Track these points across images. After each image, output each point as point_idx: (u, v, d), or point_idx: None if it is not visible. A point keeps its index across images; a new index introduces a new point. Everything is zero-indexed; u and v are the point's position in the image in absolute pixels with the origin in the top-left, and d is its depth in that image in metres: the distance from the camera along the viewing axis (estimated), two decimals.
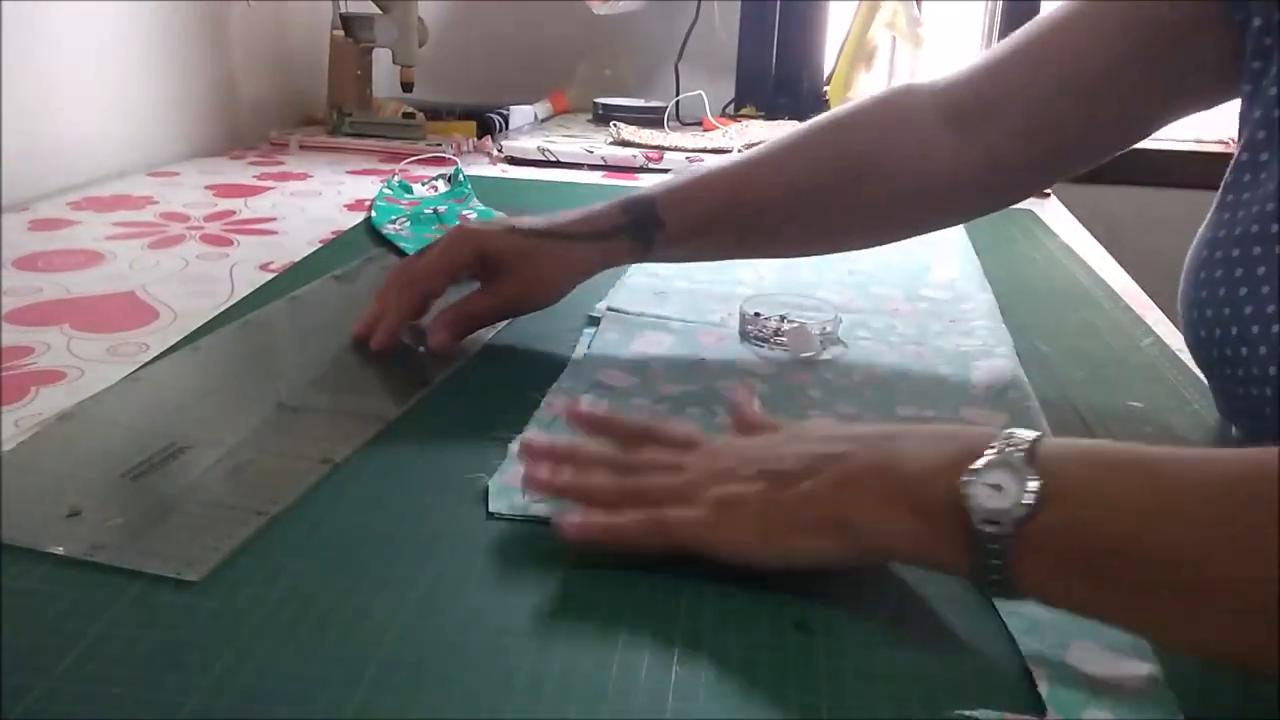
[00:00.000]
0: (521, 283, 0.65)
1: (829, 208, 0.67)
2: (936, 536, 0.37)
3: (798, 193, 0.66)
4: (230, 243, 0.90)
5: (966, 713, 0.35)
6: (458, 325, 0.64)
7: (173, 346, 0.64)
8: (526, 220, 0.66)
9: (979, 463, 0.36)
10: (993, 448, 0.36)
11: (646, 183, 1.23)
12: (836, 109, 0.70)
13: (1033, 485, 0.34)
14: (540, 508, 0.46)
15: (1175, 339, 0.74)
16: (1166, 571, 0.33)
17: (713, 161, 0.69)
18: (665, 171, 1.30)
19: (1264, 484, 0.31)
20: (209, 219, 0.98)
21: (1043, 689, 0.36)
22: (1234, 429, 0.57)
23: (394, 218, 0.95)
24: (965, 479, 0.36)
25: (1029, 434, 0.36)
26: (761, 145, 0.69)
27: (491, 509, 0.46)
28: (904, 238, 0.71)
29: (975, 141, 0.64)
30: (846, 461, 0.40)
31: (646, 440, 0.48)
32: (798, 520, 0.40)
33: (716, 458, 0.44)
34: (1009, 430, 0.37)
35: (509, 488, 0.48)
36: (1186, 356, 0.70)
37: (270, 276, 0.80)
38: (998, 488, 0.35)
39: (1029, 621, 0.39)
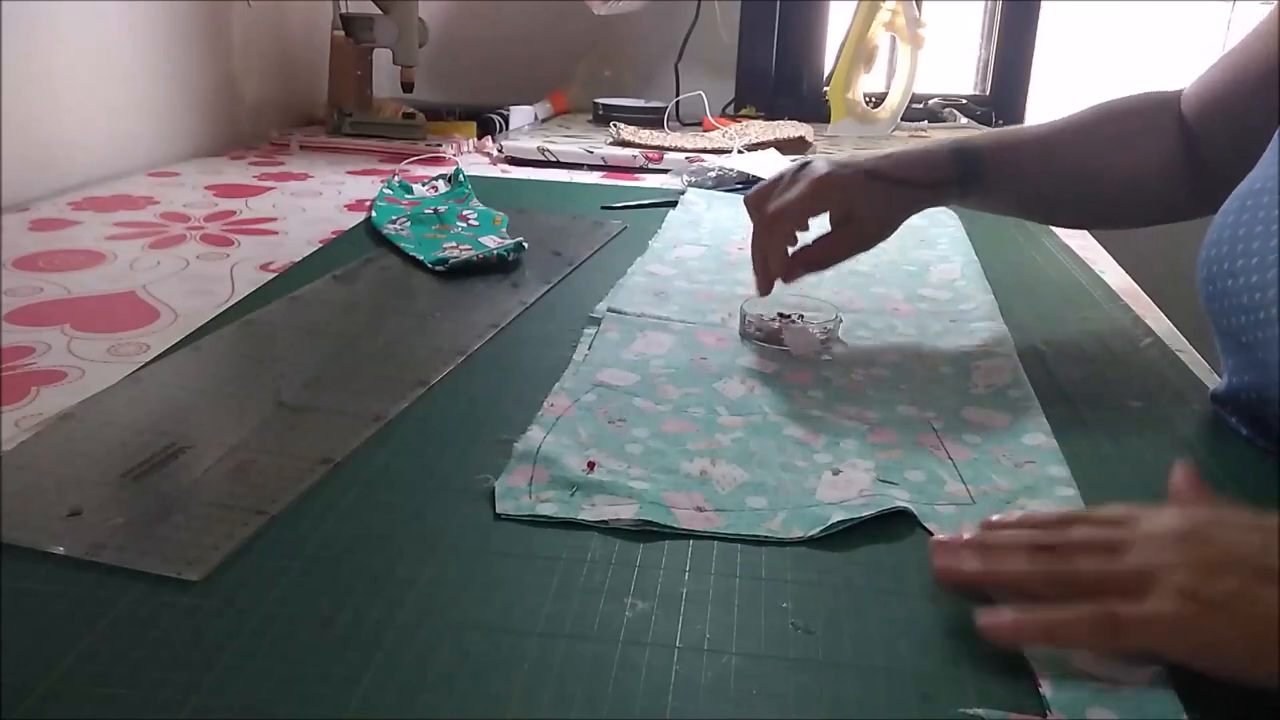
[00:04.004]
0: (871, 224, 0.71)
1: (1102, 195, 0.75)
2: None
3: (1082, 174, 0.74)
4: (230, 243, 0.90)
5: (971, 711, 0.35)
6: (812, 266, 0.71)
7: (173, 346, 0.64)
8: (871, 163, 0.71)
9: None
10: None
11: (648, 183, 1.25)
12: (1108, 108, 0.77)
13: None
14: (547, 508, 0.46)
15: (1175, 339, 0.74)
16: None
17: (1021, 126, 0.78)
18: (665, 172, 1.31)
19: None
20: (209, 219, 0.98)
21: (1046, 689, 0.36)
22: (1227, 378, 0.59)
23: (394, 218, 0.95)
24: None
25: None
26: (1051, 123, 0.77)
27: (499, 510, 0.46)
28: (1134, 225, 0.78)
29: (1196, 147, 0.71)
30: None
31: (1073, 521, 0.41)
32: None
33: (1177, 540, 0.37)
34: None
35: (515, 488, 0.48)
36: (1186, 356, 0.70)
37: (270, 276, 0.80)
38: None
39: None
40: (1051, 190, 0.75)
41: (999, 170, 0.73)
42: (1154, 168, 0.73)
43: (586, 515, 0.46)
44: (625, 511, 0.46)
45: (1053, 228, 1.06)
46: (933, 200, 0.74)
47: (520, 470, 0.49)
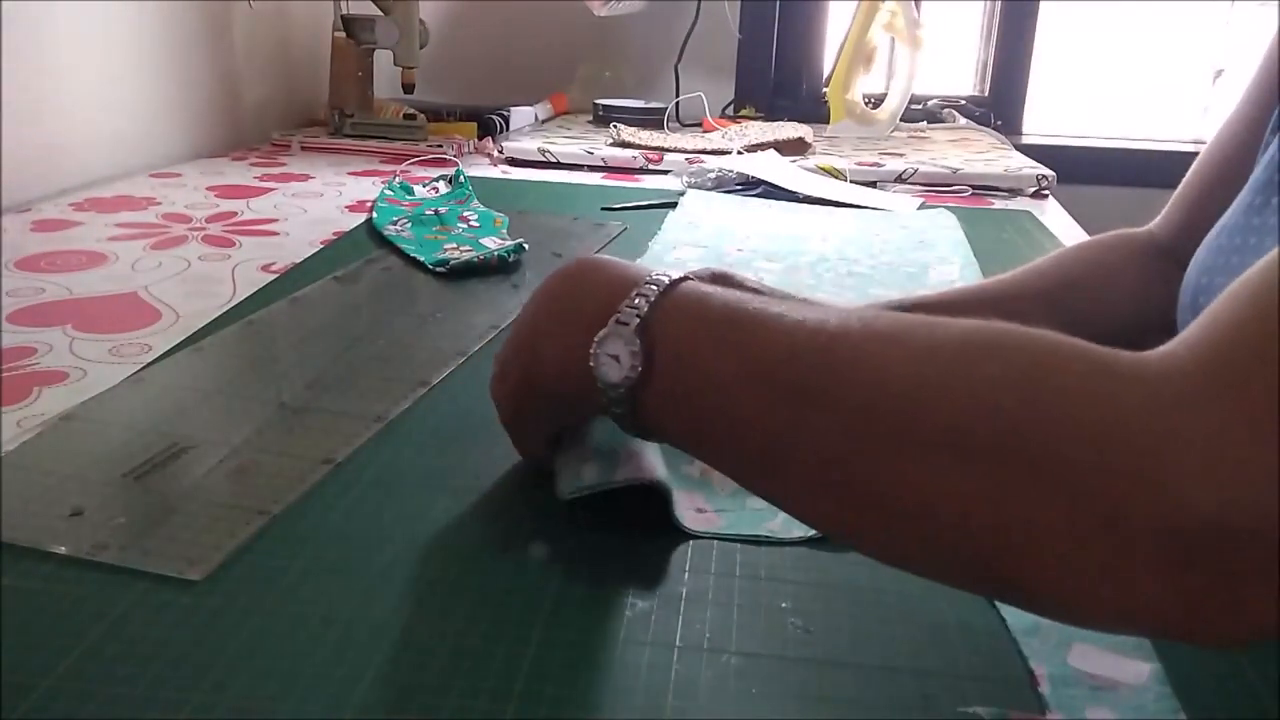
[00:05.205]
0: None
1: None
2: (589, 392, 0.39)
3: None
4: (232, 244, 0.90)
5: (970, 709, 0.35)
6: None
7: (175, 347, 0.64)
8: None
9: (602, 333, 0.38)
10: (619, 312, 0.38)
11: (647, 184, 1.25)
12: (1069, 256, 0.68)
13: (635, 360, 0.37)
14: (590, 470, 0.45)
15: None
16: (741, 436, 0.35)
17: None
18: (666, 173, 1.31)
19: (820, 355, 0.33)
20: (211, 220, 0.98)
21: (1044, 688, 0.36)
22: None
23: (395, 219, 0.95)
24: (593, 352, 0.38)
25: (661, 285, 0.39)
26: (1002, 279, 0.67)
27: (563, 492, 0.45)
28: None
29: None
30: (534, 330, 0.45)
31: None
32: (517, 390, 0.46)
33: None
34: (645, 284, 0.39)
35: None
36: None
37: (272, 277, 0.80)
38: (615, 358, 0.38)
39: (1030, 623, 0.39)
40: None
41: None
42: (1131, 310, 0.64)
43: (622, 474, 0.45)
44: (658, 473, 0.45)
45: (1053, 233, 1.06)
46: None
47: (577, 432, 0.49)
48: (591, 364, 0.38)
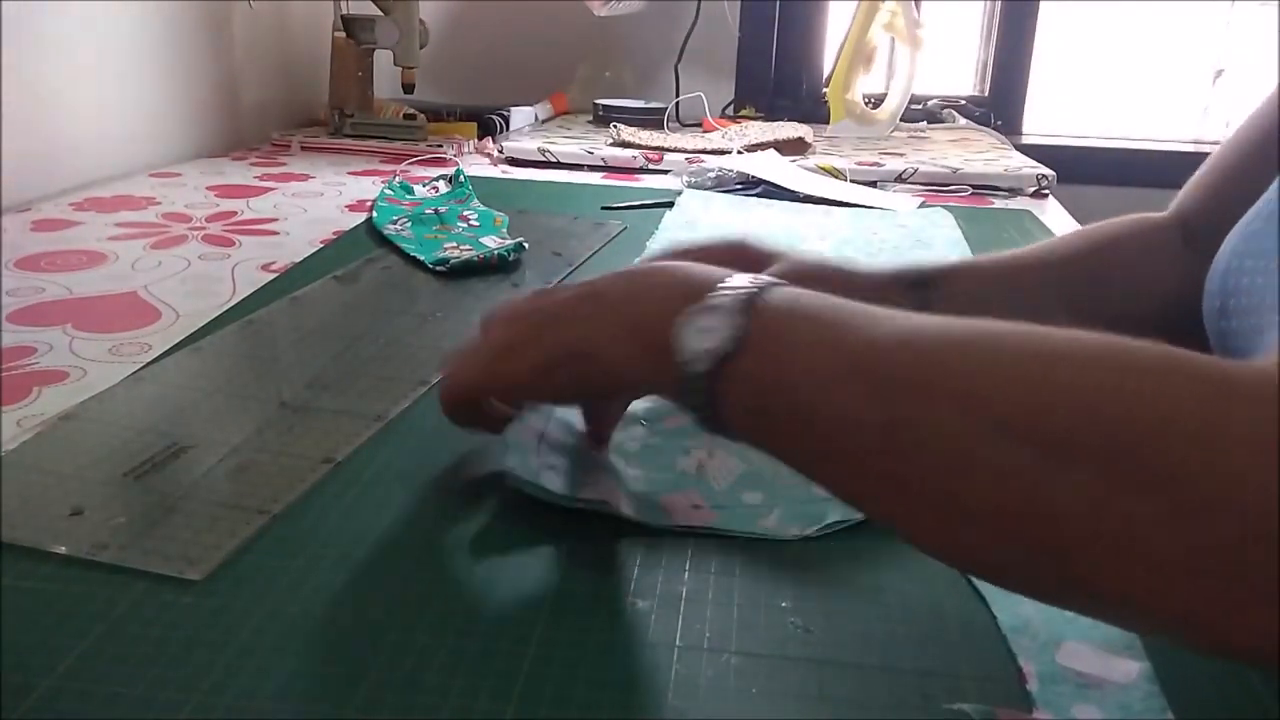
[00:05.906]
0: None
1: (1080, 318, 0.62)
2: (658, 368, 0.38)
3: (1054, 297, 0.62)
4: (232, 243, 0.90)
5: (955, 706, 0.35)
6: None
7: (175, 346, 0.64)
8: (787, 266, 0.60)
9: (697, 305, 0.37)
10: (717, 291, 0.37)
11: (647, 184, 1.25)
12: (1088, 230, 0.67)
13: (734, 331, 0.35)
14: (551, 478, 0.46)
15: None
16: (830, 429, 0.33)
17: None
18: (665, 173, 1.31)
19: (925, 352, 0.32)
20: (211, 219, 0.98)
21: (1032, 685, 0.36)
22: None
23: (395, 218, 0.95)
24: (679, 320, 0.37)
25: (767, 280, 0.37)
26: (1021, 251, 0.66)
27: (508, 465, 0.46)
28: None
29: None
30: (599, 298, 0.43)
31: None
32: (552, 355, 0.42)
33: (510, 310, 0.47)
34: (751, 276, 0.38)
35: (524, 444, 0.48)
36: None
37: (272, 277, 0.80)
38: (707, 330, 0.36)
39: (1020, 620, 0.39)
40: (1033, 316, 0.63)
41: (966, 297, 0.60)
42: (1156, 293, 0.63)
43: (588, 493, 0.46)
44: (624, 506, 0.46)
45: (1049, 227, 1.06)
46: None
47: (533, 426, 0.49)
48: (673, 334, 0.37)
